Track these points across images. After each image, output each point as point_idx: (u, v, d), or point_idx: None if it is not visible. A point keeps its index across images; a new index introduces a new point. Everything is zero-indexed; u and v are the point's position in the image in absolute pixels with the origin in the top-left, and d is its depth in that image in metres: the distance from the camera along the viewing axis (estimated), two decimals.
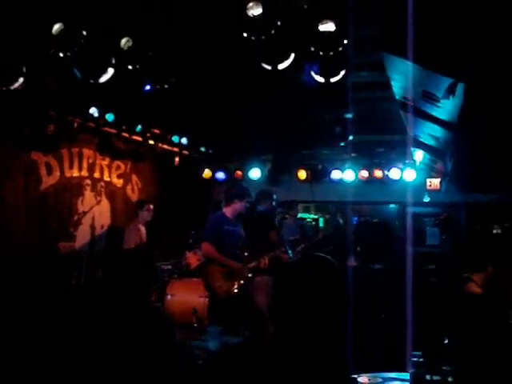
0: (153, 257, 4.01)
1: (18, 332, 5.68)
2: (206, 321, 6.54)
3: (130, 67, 5.00)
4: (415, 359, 3.27)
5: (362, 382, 3.61)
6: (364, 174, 11.00)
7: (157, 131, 9.66)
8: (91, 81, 5.05)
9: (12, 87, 5.32)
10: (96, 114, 8.17)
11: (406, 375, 3.52)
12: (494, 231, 10.60)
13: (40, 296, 6.86)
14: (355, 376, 2.15)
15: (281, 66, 4.67)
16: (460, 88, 4.66)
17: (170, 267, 8.33)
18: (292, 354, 1.99)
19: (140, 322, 3.17)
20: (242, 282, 6.65)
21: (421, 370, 3.20)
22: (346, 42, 4.52)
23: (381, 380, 3.76)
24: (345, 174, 11.04)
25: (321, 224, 14.02)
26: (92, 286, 7.69)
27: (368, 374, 3.81)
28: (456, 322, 4.69)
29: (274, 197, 7.87)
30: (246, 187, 7.01)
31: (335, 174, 11.09)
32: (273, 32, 4.36)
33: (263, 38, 4.37)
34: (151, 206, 8.90)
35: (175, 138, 10.16)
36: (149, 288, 3.42)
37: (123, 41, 4.93)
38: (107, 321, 3.16)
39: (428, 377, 3.26)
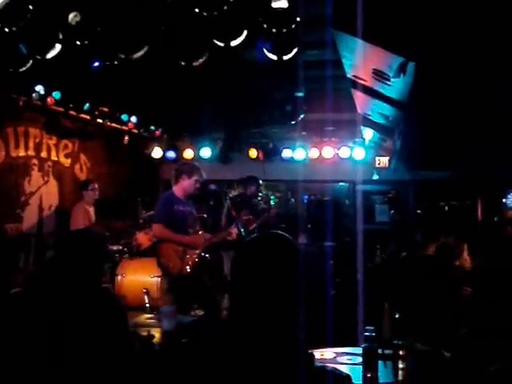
0: (103, 237, 3.94)
1: None
2: (159, 301, 6.49)
3: (78, 43, 4.85)
4: (367, 334, 3.30)
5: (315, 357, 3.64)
6: (314, 152, 11.09)
7: (105, 109, 9.48)
8: (38, 57, 4.89)
9: None
10: (42, 92, 7.95)
11: (359, 349, 3.56)
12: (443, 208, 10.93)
13: None
14: (311, 351, 2.17)
15: (233, 43, 4.63)
16: (411, 67, 4.71)
17: (120, 248, 8.23)
18: (249, 332, 1.99)
19: (91, 304, 3.11)
20: (195, 260, 6.61)
21: (373, 344, 3.24)
22: (298, 19, 4.50)
23: (334, 355, 3.81)
24: (295, 153, 11.11)
25: (272, 202, 14.07)
26: (41, 268, 7.53)
27: (320, 350, 3.86)
28: (407, 296, 4.81)
29: (260, 182, 9.04)
30: (197, 166, 6.93)
31: (286, 153, 11.16)
32: (225, 8, 4.30)
33: (216, 14, 4.31)
34: (96, 185, 8.69)
35: (124, 117, 9.99)
36: (100, 269, 3.37)
37: (71, 15, 4.79)
38: (57, 303, 3.09)
39: (380, 351, 3.30)
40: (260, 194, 9.03)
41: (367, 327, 3.30)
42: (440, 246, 5.11)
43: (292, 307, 2.00)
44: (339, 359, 3.73)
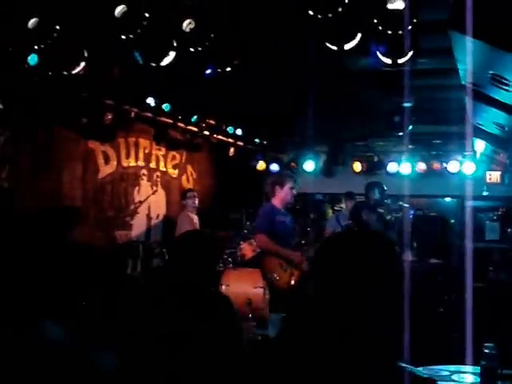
0: (215, 238, 3.95)
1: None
2: (261, 311, 6.44)
3: (191, 50, 4.92)
4: (487, 351, 3.08)
5: (428, 374, 3.47)
6: (421, 166, 10.76)
7: (212, 122, 9.64)
8: (152, 64, 5.00)
9: (73, 72, 5.32)
10: (153, 104, 8.19)
11: (476, 368, 3.35)
12: None
13: (96, 284, 6.87)
14: (405, 365, 1.96)
15: (347, 47, 4.51)
16: None
17: (224, 257, 8.27)
18: (334, 334, 1.82)
19: (207, 309, 3.05)
20: (301, 271, 6.51)
21: (492, 363, 3.03)
22: (415, 20, 4.34)
23: (448, 373, 3.61)
24: (401, 167, 10.82)
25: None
26: (148, 275, 7.69)
27: (434, 367, 3.66)
28: None
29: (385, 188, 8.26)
30: (287, 173, 6.82)
31: (391, 167, 10.89)
32: (340, 10, 4.21)
33: (330, 16, 4.22)
34: (194, 193, 8.84)
35: (230, 129, 10.15)
36: (214, 270, 3.33)
37: (185, 23, 4.86)
38: (170, 309, 3.07)
39: (499, 370, 3.08)
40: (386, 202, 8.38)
41: (487, 344, 3.09)
42: None
43: (386, 311, 1.81)
44: (454, 377, 3.53)
